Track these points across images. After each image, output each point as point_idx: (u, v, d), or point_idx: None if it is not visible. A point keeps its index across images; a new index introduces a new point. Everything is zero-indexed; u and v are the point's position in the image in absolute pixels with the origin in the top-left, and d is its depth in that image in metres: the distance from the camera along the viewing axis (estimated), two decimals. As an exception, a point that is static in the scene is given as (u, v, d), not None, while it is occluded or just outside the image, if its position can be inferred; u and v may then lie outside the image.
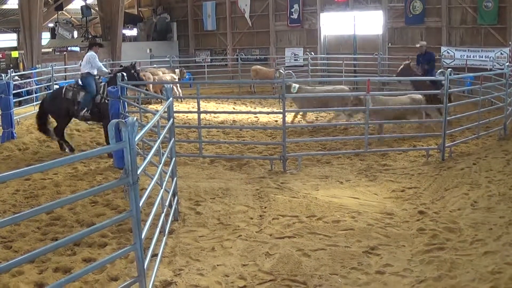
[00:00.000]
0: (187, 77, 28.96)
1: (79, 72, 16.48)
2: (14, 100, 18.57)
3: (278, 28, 34.92)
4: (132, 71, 15.90)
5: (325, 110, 18.54)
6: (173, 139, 9.31)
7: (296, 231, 8.76)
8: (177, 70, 27.77)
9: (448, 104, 13.81)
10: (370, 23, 30.73)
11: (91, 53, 15.34)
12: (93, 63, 15.20)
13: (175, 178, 9.38)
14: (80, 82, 15.37)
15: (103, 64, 16.60)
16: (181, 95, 24.62)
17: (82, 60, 16.53)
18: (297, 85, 16.77)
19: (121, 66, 24.48)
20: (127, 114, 12.87)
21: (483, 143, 14.86)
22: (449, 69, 13.75)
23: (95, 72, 15.33)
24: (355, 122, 17.21)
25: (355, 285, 7.00)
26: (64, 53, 32.27)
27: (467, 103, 17.02)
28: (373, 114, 14.82)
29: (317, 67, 31.68)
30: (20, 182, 11.77)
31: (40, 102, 16.05)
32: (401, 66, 19.20)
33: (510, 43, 25.02)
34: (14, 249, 8.24)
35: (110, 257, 6.13)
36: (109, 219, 6.11)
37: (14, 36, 43.16)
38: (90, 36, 36.12)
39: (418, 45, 19.92)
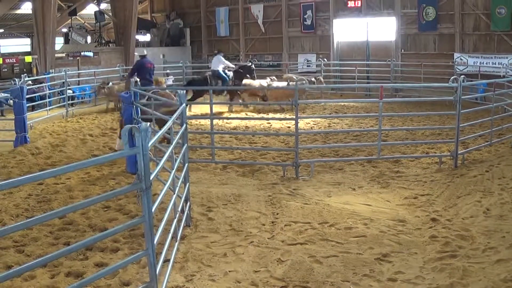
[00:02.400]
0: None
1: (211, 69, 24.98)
2: (28, 105, 18.66)
3: (291, 34, 34.96)
4: (251, 66, 25.83)
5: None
6: (186, 144, 9.33)
7: (308, 238, 8.75)
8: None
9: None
10: (383, 30, 30.68)
11: (218, 56, 24.80)
12: (222, 62, 24.65)
13: (187, 184, 9.40)
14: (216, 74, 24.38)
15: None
16: None
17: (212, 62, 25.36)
18: None
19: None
20: (140, 119, 12.89)
21: (496, 150, 14.78)
22: (462, 76, 13.70)
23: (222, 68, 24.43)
24: (368, 128, 17.17)
25: (367, 292, 6.99)
26: (78, 58, 32.39)
27: (480, 110, 16.93)
28: None
29: (330, 74, 31.68)
30: (33, 187, 11.82)
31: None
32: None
33: (523, 49, 24.95)
34: (26, 253, 8.28)
35: (122, 262, 6.15)
36: (122, 224, 6.13)
37: (27, 41, 43.45)
38: (103, 42, 36.28)
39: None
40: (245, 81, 24.73)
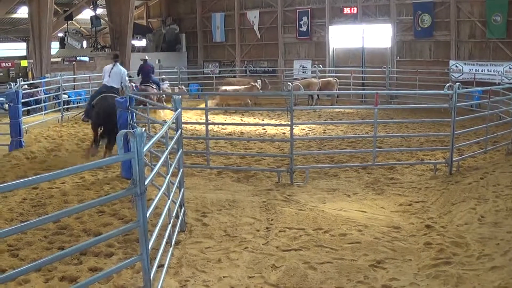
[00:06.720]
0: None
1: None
2: (23, 109, 18.63)
3: (287, 40, 35.01)
4: None
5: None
6: (181, 150, 9.31)
7: (302, 244, 8.74)
8: (258, 81, 28.06)
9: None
10: (379, 36, 30.75)
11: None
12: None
13: (182, 189, 9.38)
14: None
15: None
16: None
17: None
18: None
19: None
20: (135, 124, 12.87)
21: (490, 158, 14.80)
22: (457, 83, 13.73)
23: None
24: (363, 135, 17.18)
25: (361, 299, 6.99)
26: (73, 63, 32.35)
27: (475, 117, 16.95)
28: None
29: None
30: (28, 191, 11.78)
31: None
32: None
33: (518, 57, 25.03)
34: (20, 257, 8.24)
35: (116, 267, 6.14)
36: (116, 229, 6.13)
37: (23, 45, 43.31)
38: (99, 46, 36.24)
39: None
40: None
